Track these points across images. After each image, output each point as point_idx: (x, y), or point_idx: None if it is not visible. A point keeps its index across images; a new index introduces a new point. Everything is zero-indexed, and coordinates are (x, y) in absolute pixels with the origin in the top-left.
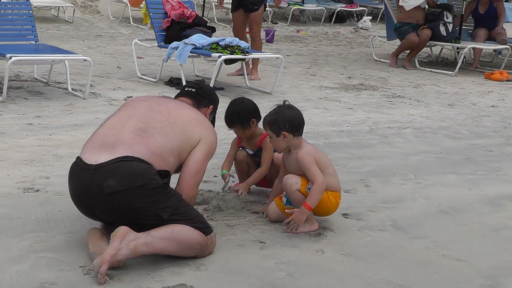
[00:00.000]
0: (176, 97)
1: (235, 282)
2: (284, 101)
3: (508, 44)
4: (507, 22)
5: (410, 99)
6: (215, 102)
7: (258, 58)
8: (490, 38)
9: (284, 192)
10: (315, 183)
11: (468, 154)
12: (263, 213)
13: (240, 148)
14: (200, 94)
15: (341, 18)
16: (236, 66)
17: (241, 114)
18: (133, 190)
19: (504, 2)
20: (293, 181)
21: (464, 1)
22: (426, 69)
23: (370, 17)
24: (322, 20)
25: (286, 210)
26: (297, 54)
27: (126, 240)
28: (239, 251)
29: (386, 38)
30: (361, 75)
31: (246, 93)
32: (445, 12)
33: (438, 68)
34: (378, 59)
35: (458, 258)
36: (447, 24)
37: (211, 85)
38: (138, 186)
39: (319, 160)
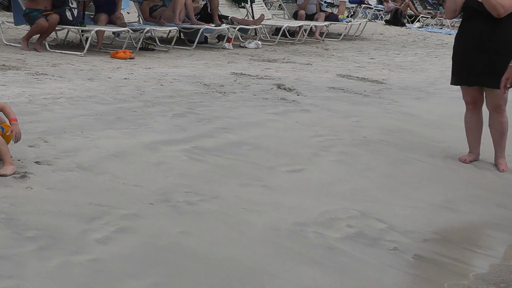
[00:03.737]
0: None
1: None
2: None
3: (127, 27)
4: (123, 9)
5: (53, 75)
6: None
7: None
8: (110, 22)
9: None
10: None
11: (118, 115)
12: None
13: None
14: None
15: None
16: None
17: None
18: None
19: None
20: None
21: None
22: (56, 51)
23: None
24: None
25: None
26: None
27: None
28: None
29: (13, 24)
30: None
31: None
32: None
33: (66, 50)
34: (9, 43)
35: (135, 185)
36: (73, 9)
37: None
38: None
39: None
